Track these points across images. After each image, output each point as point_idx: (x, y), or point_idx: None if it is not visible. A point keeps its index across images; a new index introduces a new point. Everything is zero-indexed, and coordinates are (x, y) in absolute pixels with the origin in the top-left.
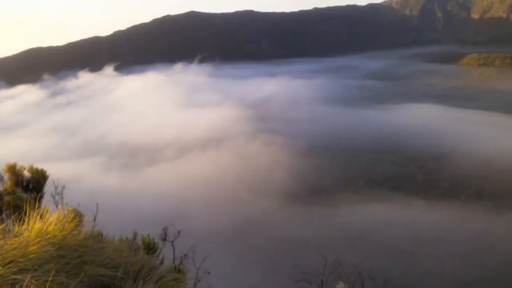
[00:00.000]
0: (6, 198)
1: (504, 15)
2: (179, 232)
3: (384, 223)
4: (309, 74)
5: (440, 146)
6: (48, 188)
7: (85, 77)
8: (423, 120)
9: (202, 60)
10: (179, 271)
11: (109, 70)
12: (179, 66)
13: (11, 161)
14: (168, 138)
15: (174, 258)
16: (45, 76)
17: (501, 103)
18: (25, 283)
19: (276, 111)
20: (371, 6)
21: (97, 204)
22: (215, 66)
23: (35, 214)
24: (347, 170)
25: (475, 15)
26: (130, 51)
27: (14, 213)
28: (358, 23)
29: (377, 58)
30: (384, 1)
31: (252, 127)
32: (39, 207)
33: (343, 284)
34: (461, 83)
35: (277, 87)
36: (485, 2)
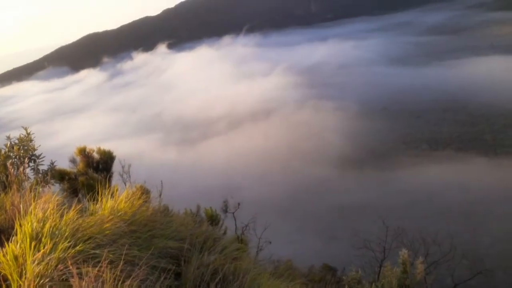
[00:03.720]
0: (80, 178)
1: None
2: (239, 204)
3: (450, 186)
4: (362, 35)
5: (510, 101)
6: (115, 167)
7: (139, 57)
8: (491, 74)
9: (250, 30)
10: (241, 241)
11: (161, 48)
12: (227, 39)
13: (80, 142)
14: (219, 112)
15: (236, 229)
16: (104, 59)
17: None
18: (103, 257)
19: (327, 76)
20: None
21: (161, 181)
22: (263, 35)
23: (106, 193)
24: (409, 132)
25: None
26: (179, 28)
27: (88, 192)
28: None
29: (437, 11)
30: None
31: (302, 94)
32: (109, 185)
33: (407, 251)
34: None
35: (327, 51)
36: None
